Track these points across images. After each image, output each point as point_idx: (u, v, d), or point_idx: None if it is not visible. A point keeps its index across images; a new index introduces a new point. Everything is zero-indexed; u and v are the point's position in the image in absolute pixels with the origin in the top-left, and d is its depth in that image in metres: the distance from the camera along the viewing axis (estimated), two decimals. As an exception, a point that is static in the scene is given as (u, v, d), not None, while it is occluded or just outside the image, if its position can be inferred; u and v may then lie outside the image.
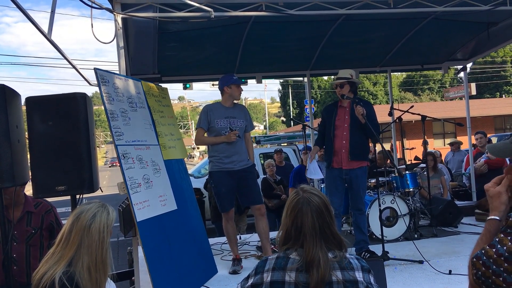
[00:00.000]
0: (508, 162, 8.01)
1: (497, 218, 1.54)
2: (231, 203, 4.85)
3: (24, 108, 3.32)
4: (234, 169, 4.75)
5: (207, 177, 9.23)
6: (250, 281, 1.88)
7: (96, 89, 3.40)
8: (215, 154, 4.78)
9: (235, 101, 4.95)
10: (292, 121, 39.27)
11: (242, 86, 4.93)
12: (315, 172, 5.36)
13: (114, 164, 54.90)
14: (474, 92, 31.35)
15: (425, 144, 6.55)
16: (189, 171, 10.79)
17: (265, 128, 62.26)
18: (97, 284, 2.06)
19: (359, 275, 1.82)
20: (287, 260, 1.84)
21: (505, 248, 1.41)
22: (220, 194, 4.80)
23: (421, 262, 4.61)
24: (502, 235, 1.45)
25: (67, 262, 2.04)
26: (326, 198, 1.94)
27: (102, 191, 3.48)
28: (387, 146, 9.13)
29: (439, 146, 23.53)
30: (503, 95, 42.50)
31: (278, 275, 1.81)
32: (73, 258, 2.06)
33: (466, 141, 8.56)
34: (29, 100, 3.20)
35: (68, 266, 2.04)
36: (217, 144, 4.75)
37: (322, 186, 6.30)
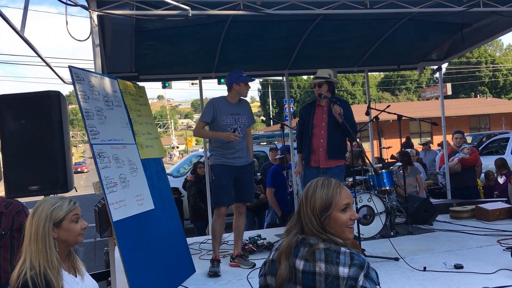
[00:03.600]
0: (481, 161, 8.20)
1: None
2: (228, 199, 4.75)
3: (-4, 106, 3.25)
4: (236, 165, 4.74)
5: (186, 176, 9.24)
6: (269, 257, 2.05)
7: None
8: (218, 150, 4.75)
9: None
10: (271, 121, 39.37)
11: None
12: None
13: (79, 170, 48.66)
14: (449, 92, 31.90)
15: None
16: (168, 171, 10.74)
17: (244, 127, 62.11)
18: (54, 266, 2.05)
19: (343, 271, 1.81)
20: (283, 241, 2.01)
21: None
22: (219, 187, 4.71)
23: (396, 259, 4.68)
24: None
25: (29, 256, 2.04)
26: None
27: (76, 191, 3.43)
28: (365, 146, 9.27)
29: (416, 145, 23.90)
30: (478, 95, 43.41)
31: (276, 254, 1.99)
32: (30, 249, 2.05)
33: (441, 140, 8.72)
34: (1, 98, 3.15)
35: (30, 260, 2.03)
36: (217, 139, 4.71)
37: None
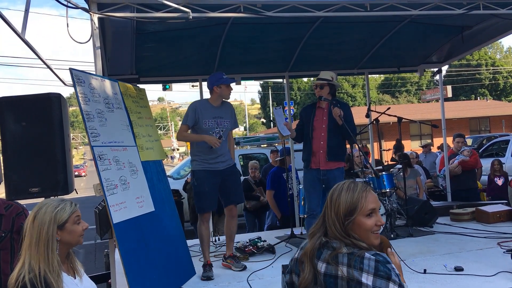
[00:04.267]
0: (481, 163, 8.19)
1: None
2: (211, 204, 4.74)
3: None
4: (219, 169, 4.70)
5: (186, 178, 9.23)
6: (295, 255, 2.05)
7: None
8: (200, 155, 4.70)
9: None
10: (272, 123, 39.41)
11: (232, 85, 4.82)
12: (283, 128, 5.24)
13: (76, 173, 46.07)
14: (450, 95, 31.96)
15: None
16: (169, 173, 10.73)
17: (245, 129, 62.30)
18: (55, 269, 2.05)
19: (366, 278, 1.74)
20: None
21: None
22: (202, 193, 4.68)
23: (397, 261, 4.67)
24: None
25: (28, 259, 2.04)
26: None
27: (77, 193, 3.44)
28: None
29: (416, 147, 23.90)
30: (478, 98, 43.42)
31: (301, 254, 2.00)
32: (30, 252, 2.05)
33: (441, 143, 8.72)
34: (2, 100, 3.16)
35: (30, 263, 2.03)
36: (199, 142, 4.66)
37: (301, 187, 6.34)
